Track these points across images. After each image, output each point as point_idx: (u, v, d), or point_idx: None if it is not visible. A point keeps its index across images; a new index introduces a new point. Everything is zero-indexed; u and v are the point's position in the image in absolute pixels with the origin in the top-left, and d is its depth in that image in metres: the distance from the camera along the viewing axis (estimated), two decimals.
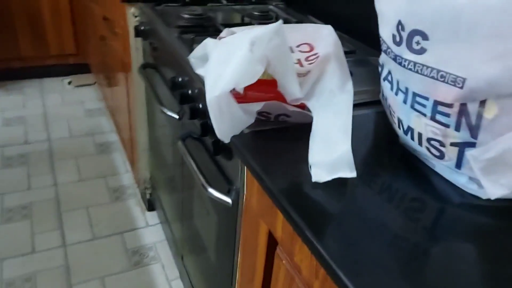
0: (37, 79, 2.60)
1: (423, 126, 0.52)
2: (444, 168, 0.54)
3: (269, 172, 0.55)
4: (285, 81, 0.59)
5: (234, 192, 0.74)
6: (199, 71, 0.73)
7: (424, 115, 0.51)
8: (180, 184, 1.14)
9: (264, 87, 0.62)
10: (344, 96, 0.59)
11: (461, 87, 0.45)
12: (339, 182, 0.52)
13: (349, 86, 0.60)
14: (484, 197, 0.51)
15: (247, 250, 0.71)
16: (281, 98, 0.62)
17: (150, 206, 1.64)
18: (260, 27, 0.58)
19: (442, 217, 0.50)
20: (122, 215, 1.62)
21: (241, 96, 0.61)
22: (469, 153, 0.48)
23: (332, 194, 0.52)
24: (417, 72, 0.50)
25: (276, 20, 1.21)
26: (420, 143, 0.55)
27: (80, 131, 2.13)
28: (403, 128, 0.57)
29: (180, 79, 0.94)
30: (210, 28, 1.07)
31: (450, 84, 0.46)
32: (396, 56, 0.54)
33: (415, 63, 0.50)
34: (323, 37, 0.68)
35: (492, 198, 0.48)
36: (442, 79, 0.47)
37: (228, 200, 0.74)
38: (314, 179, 0.52)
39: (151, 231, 1.56)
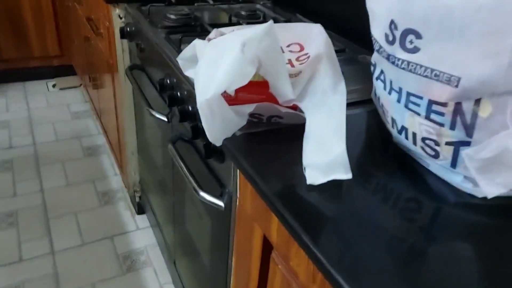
0: (20, 82, 2.54)
1: (418, 125, 0.52)
2: (438, 167, 0.54)
3: (263, 175, 0.54)
4: (277, 82, 0.58)
5: (227, 195, 0.73)
6: (188, 72, 0.72)
7: (418, 114, 0.51)
8: (171, 186, 1.13)
9: (256, 89, 0.61)
10: (337, 96, 0.58)
11: (456, 86, 0.45)
12: (334, 184, 0.52)
13: (342, 86, 0.59)
14: (479, 195, 0.51)
15: (242, 254, 0.70)
16: (273, 99, 0.61)
17: (140, 210, 1.62)
18: (250, 28, 0.57)
19: (438, 216, 0.50)
20: (112, 219, 1.60)
21: (232, 98, 0.60)
22: (464, 152, 0.48)
23: (327, 196, 0.51)
24: (410, 71, 0.50)
25: (264, 19, 1.21)
26: (414, 143, 0.54)
27: (66, 134, 2.10)
28: (396, 128, 0.57)
29: (168, 81, 0.92)
30: (197, 28, 1.06)
31: (445, 83, 0.46)
32: (389, 55, 0.53)
33: (408, 62, 0.50)
34: (313, 36, 0.67)
35: (489, 197, 0.48)
36: (436, 78, 0.47)
37: (221, 203, 0.73)
38: (308, 181, 0.52)
39: (142, 234, 1.54)
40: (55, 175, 1.81)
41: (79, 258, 1.42)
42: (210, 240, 0.89)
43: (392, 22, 0.51)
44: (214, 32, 0.69)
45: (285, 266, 0.55)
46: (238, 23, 1.11)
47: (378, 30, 0.55)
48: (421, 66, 0.48)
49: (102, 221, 1.59)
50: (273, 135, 0.63)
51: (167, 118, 0.98)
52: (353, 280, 0.40)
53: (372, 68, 0.62)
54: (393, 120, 0.57)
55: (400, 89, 0.53)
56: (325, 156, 0.52)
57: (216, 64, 0.56)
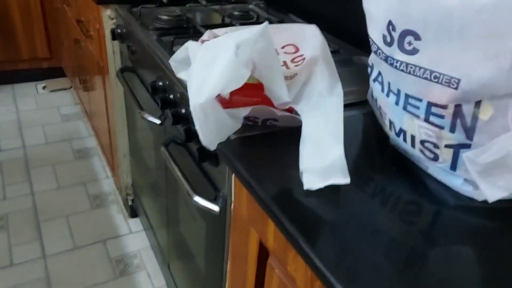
0: (9, 85, 2.50)
1: (416, 128, 0.51)
2: (438, 170, 0.53)
3: (259, 179, 0.53)
4: (272, 85, 0.57)
5: (221, 198, 0.72)
6: (181, 75, 0.71)
7: (418, 117, 0.50)
8: (164, 189, 1.11)
9: (250, 91, 0.60)
10: (334, 98, 0.57)
11: (456, 88, 0.44)
12: (332, 188, 0.51)
13: (339, 88, 0.58)
14: (479, 199, 0.50)
15: (237, 258, 0.69)
16: (268, 102, 0.60)
17: (133, 213, 1.60)
18: (244, 29, 0.56)
19: (438, 219, 0.49)
20: (104, 222, 1.58)
21: (227, 101, 0.59)
22: (465, 155, 0.47)
23: (325, 200, 0.50)
24: (409, 73, 0.49)
25: (257, 20, 1.20)
26: (413, 145, 0.54)
27: (56, 136, 2.07)
28: (394, 130, 0.56)
29: (160, 83, 0.91)
30: (190, 30, 1.04)
31: (444, 85, 0.45)
32: (387, 57, 0.52)
33: (407, 64, 0.49)
34: (308, 37, 0.66)
35: (490, 201, 0.47)
36: (435, 80, 0.46)
37: (215, 208, 0.71)
38: (306, 186, 0.51)
39: (135, 238, 1.52)
40: (46, 178, 1.78)
41: (71, 262, 1.40)
42: (204, 243, 0.88)
43: (390, 23, 0.50)
44: (207, 33, 0.68)
45: (282, 271, 0.54)
46: (231, 24, 1.10)
47: (375, 31, 0.54)
48: (420, 67, 0.47)
49: (94, 224, 1.56)
50: (269, 139, 0.62)
51: (160, 121, 0.97)
52: (352, 285, 0.39)
53: (369, 69, 0.61)
54: (391, 123, 0.56)
55: (399, 91, 0.52)
56: (322, 160, 0.51)
57: (209, 66, 0.55)
